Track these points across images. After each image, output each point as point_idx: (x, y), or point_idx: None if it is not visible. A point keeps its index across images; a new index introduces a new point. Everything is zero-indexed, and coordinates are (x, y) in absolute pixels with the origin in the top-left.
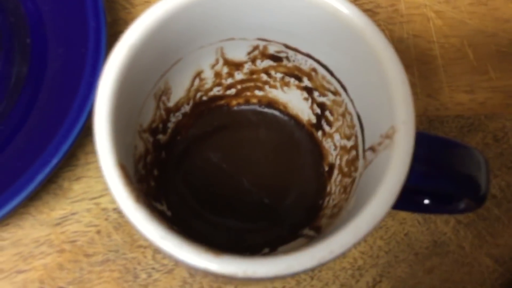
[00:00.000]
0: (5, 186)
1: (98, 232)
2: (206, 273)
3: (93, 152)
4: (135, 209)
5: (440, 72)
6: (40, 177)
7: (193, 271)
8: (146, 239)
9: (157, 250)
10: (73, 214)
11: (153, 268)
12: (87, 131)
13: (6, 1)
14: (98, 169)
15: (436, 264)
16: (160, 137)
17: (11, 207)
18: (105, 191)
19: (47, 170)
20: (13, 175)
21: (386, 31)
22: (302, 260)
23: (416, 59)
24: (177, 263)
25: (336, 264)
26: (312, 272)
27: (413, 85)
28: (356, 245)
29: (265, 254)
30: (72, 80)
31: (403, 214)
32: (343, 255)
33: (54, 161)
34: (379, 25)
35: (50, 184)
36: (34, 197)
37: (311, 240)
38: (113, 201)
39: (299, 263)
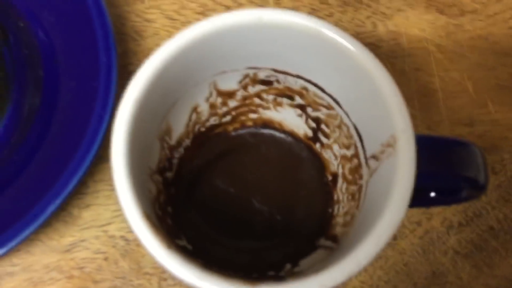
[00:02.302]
0: (17, 216)
1: (106, 259)
2: None
3: (102, 180)
4: (168, 256)
5: (440, 105)
6: (51, 208)
7: None
8: (184, 282)
9: (162, 277)
10: (82, 241)
11: None
12: (96, 160)
13: (21, 33)
14: (106, 197)
15: None
16: (168, 174)
17: (23, 237)
18: (113, 218)
19: (58, 201)
20: (26, 205)
21: (388, 64)
22: (333, 276)
23: (417, 92)
24: None
25: None
26: None
27: (413, 117)
28: (379, 254)
29: (289, 271)
30: (83, 113)
31: (402, 244)
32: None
33: (65, 192)
34: (381, 59)
35: (61, 211)
36: (44, 224)
37: (331, 251)
38: (120, 229)
39: (330, 280)
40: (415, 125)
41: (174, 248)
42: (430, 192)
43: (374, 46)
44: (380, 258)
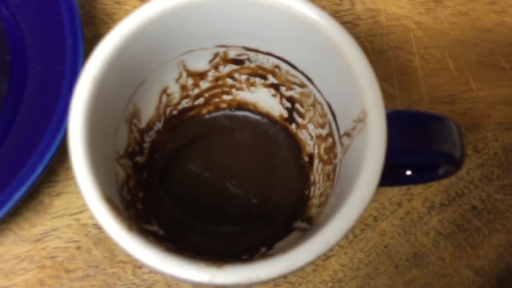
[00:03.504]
0: None
1: (79, 247)
2: (212, 285)
3: None
4: (130, 238)
5: (421, 83)
6: (17, 196)
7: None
8: (146, 266)
9: (137, 265)
10: (54, 230)
11: (133, 283)
12: (66, 148)
13: None
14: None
15: (416, 276)
16: (138, 159)
17: None
18: (85, 207)
19: (24, 188)
20: None
21: (366, 43)
22: (300, 256)
23: (397, 71)
24: (181, 281)
25: (316, 277)
26: (292, 285)
27: (393, 96)
28: (348, 232)
29: (263, 254)
30: (51, 97)
31: (383, 226)
32: (338, 243)
33: (32, 179)
34: (359, 37)
35: (31, 200)
36: (15, 213)
37: (305, 233)
38: (93, 217)
39: (298, 259)
40: (395, 104)
41: (136, 231)
42: (406, 170)
43: (352, 24)
44: (360, 240)
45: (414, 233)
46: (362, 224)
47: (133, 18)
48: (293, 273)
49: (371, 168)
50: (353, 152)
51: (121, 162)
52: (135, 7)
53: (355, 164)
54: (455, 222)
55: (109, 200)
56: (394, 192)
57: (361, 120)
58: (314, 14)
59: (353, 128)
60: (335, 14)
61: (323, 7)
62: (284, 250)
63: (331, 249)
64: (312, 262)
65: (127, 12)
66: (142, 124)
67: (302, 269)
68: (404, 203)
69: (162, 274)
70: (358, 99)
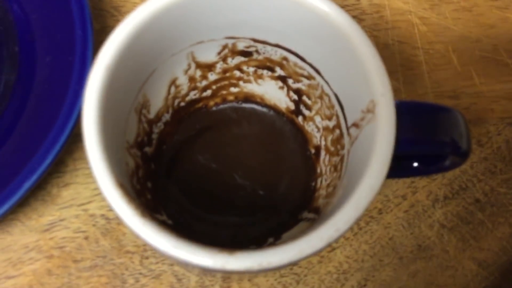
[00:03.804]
0: None
1: (86, 238)
2: (224, 272)
3: (81, 158)
4: (143, 224)
5: (425, 78)
6: (27, 185)
7: (208, 272)
8: (159, 251)
9: (144, 256)
10: (62, 220)
11: (140, 273)
12: (75, 138)
13: None
14: (86, 175)
15: (420, 268)
16: (147, 149)
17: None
18: (93, 197)
19: (34, 177)
20: (1, 182)
21: (371, 37)
22: (311, 242)
23: (401, 65)
24: (193, 267)
25: (322, 268)
26: (298, 276)
27: (397, 91)
28: (358, 220)
29: (271, 244)
30: (59, 88)
31: (388, 218)
32: (348, 231)
33: (41, 168)
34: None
35: (39, 190)
36: (23, 204)
37: (312, 222)
38: (101, 207)
39: (309, 246)
40: (399, 99)
41: (149, 217)
42: (412, 162)
43: (357, 19)
44: (365, 232)
45: (418, 225)
46: (367, 216)
47: (146, 7)
48: (304, 259)
49: (381, 157)
50: (361, 142)
51: (131, 152)
52: (142, 0)
53: (364, 153)
54: (458, 215)
55: (122, 187)
56: (399, 185)
57: (370, 110)
58: (323, 5)
59: (362, 119)
60: None
61: None
62: (294, 237)
63: (341, 237)
64: (322, 250)
65: (134, 5)
66: (151, 115)
67: (310, 257)
68: (409, 196)
69: (175, 260)
70: (367, 89)
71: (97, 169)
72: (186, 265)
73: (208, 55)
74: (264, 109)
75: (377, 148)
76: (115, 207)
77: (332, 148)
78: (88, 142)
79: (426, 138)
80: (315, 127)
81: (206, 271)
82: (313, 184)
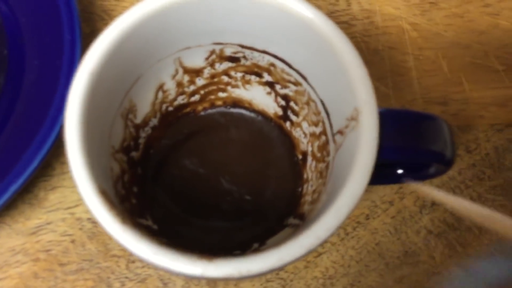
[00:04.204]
0: None
1: (73, 241)
2: (203, 279)
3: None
4: (123, 231)
5: (414, 84)
6: (13, 188)
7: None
8: (140, 258)
9: (130, 260)
10: (48, 223)
11: (126, 277)
12: (62, 142)
13: None
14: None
15: (406, 273)
16: (134, 154)
17: None
18: (80, 201)
19: (20, 181)
20: None
21: (361, 43)
22: (291, 250)
23: (391, 71)
24: (173, 274)
25: (308, 273)
26: (284, 281)
27: (387, 96)
28: (339, 228)
29: (255, 250)
30: (47, 91)
31: (374, 224)
32: (328, 239)
33: (28, 172)
34: (354, 37)
35: (26, 193)
36: (10, 207)
37: (296, 229)
38: (87, 211)
39: (289, 254)
40: (389, 104)
41: (130, 224)
42: (397, 169)
43: (347, 24)
44: (352, 238)
45: (405, 231)
46: (354, 222)
47: (132, 13)
48: (284, 267)
49: (363, 165)
50: (345, 150)
51: (117, 157)
52: (132, 4)
53: (347, 161)
54: (445, 221)
55: (104, 194)
56: (386, 191)
57: (353, 118)
58: (309, 13)
59: (346, 126)
60: (331, 14)
61: (319, 7)
62: (275, 245)
63: (322, 245)
64: (303, 258)
65: (125, 9)
66: (138, 120)
67: (293, 264)
68: (396, 201)
69: (155, 267)
70: (351, 97)
71: (78, 176)
72: (168, 272)
73: (196, 60)
74: (252, 114)
75: (359, 156)
76: (96, 214)
77: (318, 154)
78: (70, 148)
79: (410, 146)
80: (302, 133)
81: (188, 278)
82: (299, 190)
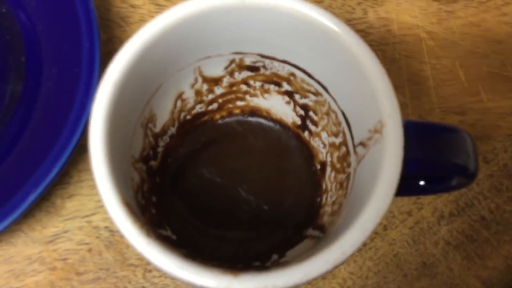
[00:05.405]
0: None
1: (90, 250)
2: None
3: (86, 170)
4: (148, 244)
5: (432, 93)
6: (32, 197)
7: None
8: (163, 272)
9: (147, 269)
10: (65, 232)
11: (143, 287)
12: (80, 149)
13: (2, 18)
14: (90, 187)
15: (424, 285)
16: (152, 163)
17: (3, 227)
18: (97, 209)
19: (39, 190)
20: (6, 194)
21: (378, 52)
22: (317, 266)
23: (408, 80)
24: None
25: (326, 285)
26: None
27: (404, 106)
28: (364, 242)
29: (275, 261)
30: (66, 99)
31: (392, 235)
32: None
33: (47, 181)
34: (371, 46)
35: (43, 201)
36: (26, 215)
37: (318, 241)
38: (104, 219)
39: (315, 269)
40: (406, 114)
41: (154, 236)
42: (419, 181)
43: (364, 33)
44: (369, 249)
45: (423, 242)
46: (372, 232)
47: (154, 24)
48: (308, 283)
49: (388, 179)
50: (368, 162)
51: (136, 166)
52: (150, 11)
53: (371, 174)
54: (464, 232)
55: (127, 205)
56: (404, 202)
57: (377, 130)
58: (332, 24)
59: (369, 138)
60: (348, 23)
61: (335, 15)
62: (299, 259)
63: (347, 260)
64: (328, 273)
65: (141, 16)
66: (157, 129)
67: None
68: (414, 212)
69: (179, 280)
70: (374, 110)
71: (103, 188)
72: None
73: (215, 69)
74: (270, 123)
75: (384, 171)
76: (121, 227)
77: (338, 165)
78: (95, 160)
79: (433, 159)
80: (321, 142)
81: None
82: (318, 200)
